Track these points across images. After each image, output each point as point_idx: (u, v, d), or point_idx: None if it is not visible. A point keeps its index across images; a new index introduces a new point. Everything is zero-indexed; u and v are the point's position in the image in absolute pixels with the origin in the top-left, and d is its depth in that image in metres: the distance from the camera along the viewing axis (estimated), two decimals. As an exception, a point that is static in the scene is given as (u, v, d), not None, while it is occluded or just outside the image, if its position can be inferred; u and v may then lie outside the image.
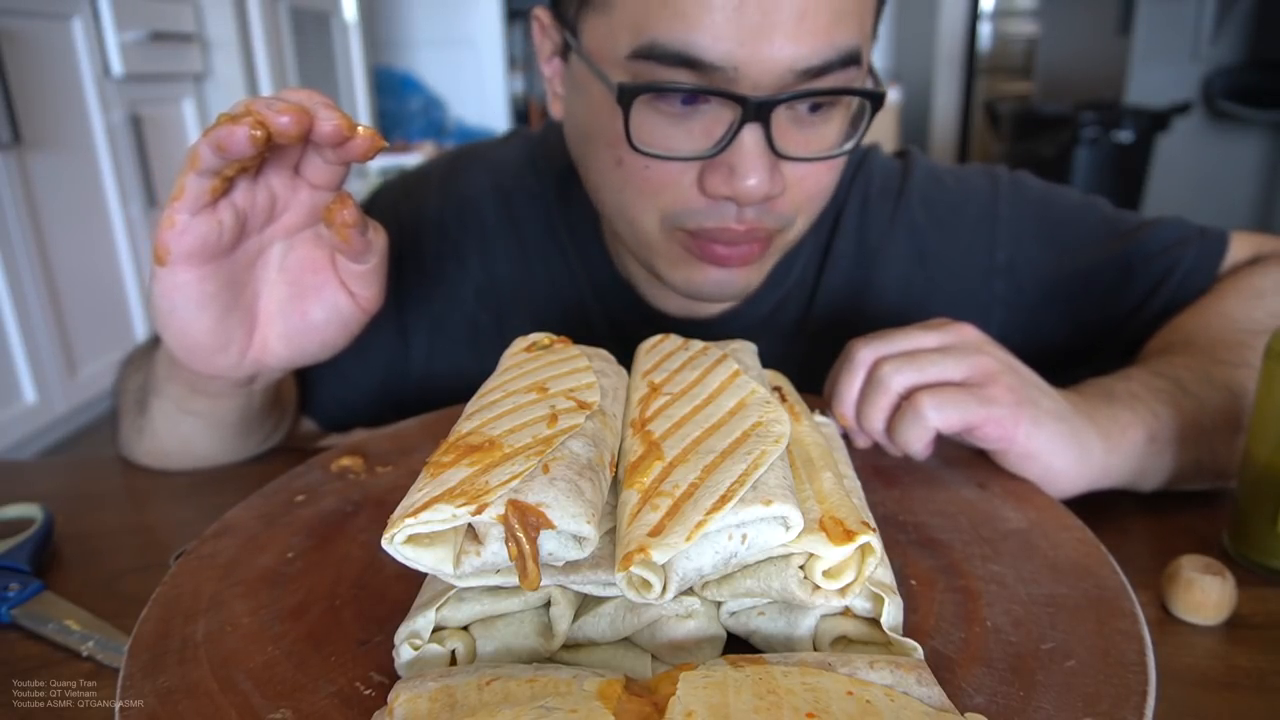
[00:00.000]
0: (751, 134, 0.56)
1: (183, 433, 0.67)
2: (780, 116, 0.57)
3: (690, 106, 0.57)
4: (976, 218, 0.77)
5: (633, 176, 0.61)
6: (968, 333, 0.56)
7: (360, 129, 0.49)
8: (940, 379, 0.53)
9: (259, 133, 0.46)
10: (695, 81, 0.55)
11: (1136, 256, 0.74)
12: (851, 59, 0.56)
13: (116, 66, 2.63)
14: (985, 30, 5.53)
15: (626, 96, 0.57)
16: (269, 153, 0.50)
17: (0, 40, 2.17)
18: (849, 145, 0.61)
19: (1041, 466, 0.53)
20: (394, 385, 0.80)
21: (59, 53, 2.43)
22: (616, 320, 0.78)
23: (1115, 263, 0.74)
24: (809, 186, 0.62)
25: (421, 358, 0.80)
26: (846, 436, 0.56)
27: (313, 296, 0.58)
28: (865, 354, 0.55)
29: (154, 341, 0.70)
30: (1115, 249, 0.75)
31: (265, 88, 3.40)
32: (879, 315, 0.76)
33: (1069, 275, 0.75)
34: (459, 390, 0.75)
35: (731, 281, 0.65)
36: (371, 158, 0.51)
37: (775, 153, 0.57)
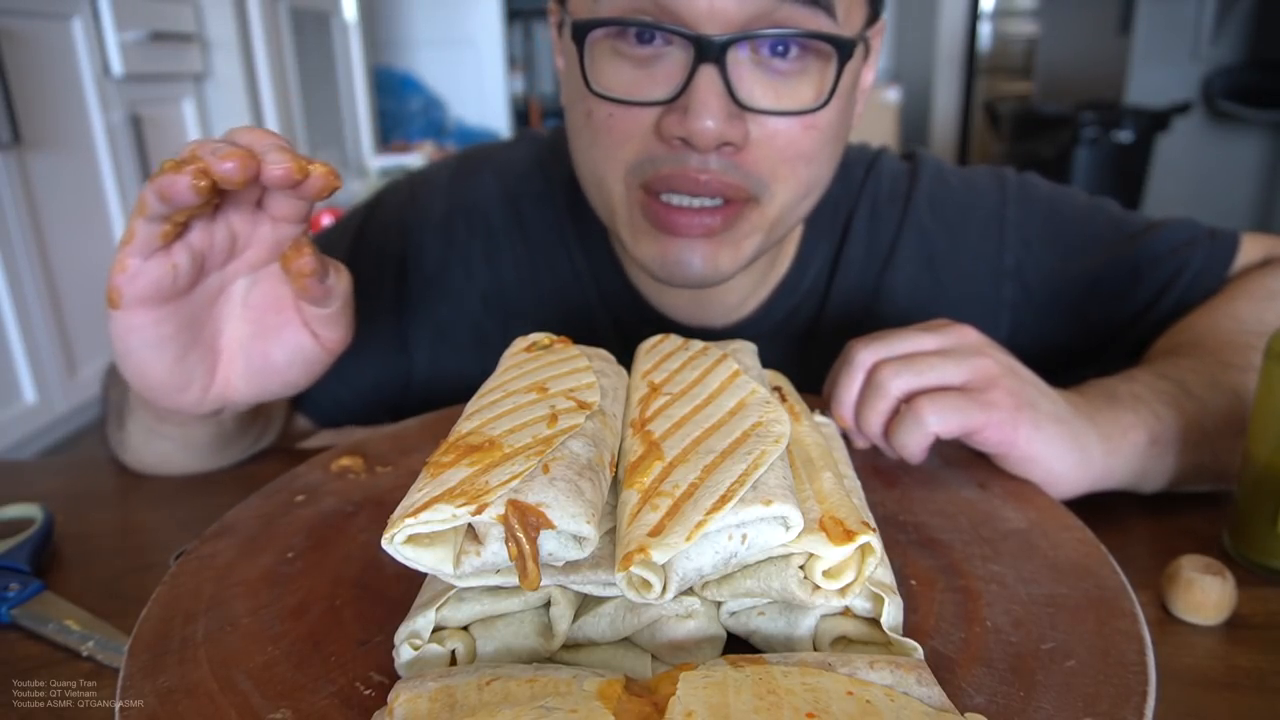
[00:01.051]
0: (707, 75, 0.55)
1: (158, 450, 0.67)
2: (742, 65, 0.56)
3: (650, 48, 0.57)
4: (984, 220, 0.76)
5: (599, 128, 0.60)
6: (968, 335, 0.55)
7: (314, 168, 0.47)
8: (939, 383, 0.53)
9: (202, 182, 0.44)
10: (656, 19, 0.55)
11: (1144, 258, 0.73)
12: (821, 2, 0.55)
13: (116, 66, 2.63)
14: (985, 30, 5.53)
15: (580, 32, 0.57)
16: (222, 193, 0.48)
17: (0, 40, 2.17)
18: (819, 104, 0.58)
19: (1043, 469, 0.53)
20: (392, 389, 0.80)
21: (59, 53, 2.43)
22: (623, 327, 0.77)
23: (1123, 265, 0.74)
24: (781, 146, 0.59)
25: (425, 362, 0.79)
26: (846, 437, 0.56)
27: (274, 337, 0.56)
28: (864, 356, 0.55)
29: None
30: (1123, 251, 0.74)
31: (265, 88, 3.40)
32: (889, 318, 0.76)
33: (1076, 277, 0.75)
34: (462, 395, 0.74)
35: (693, 258, 0.62)
36: (328, 196, 0.49)
37: (736, 101, 0.56)
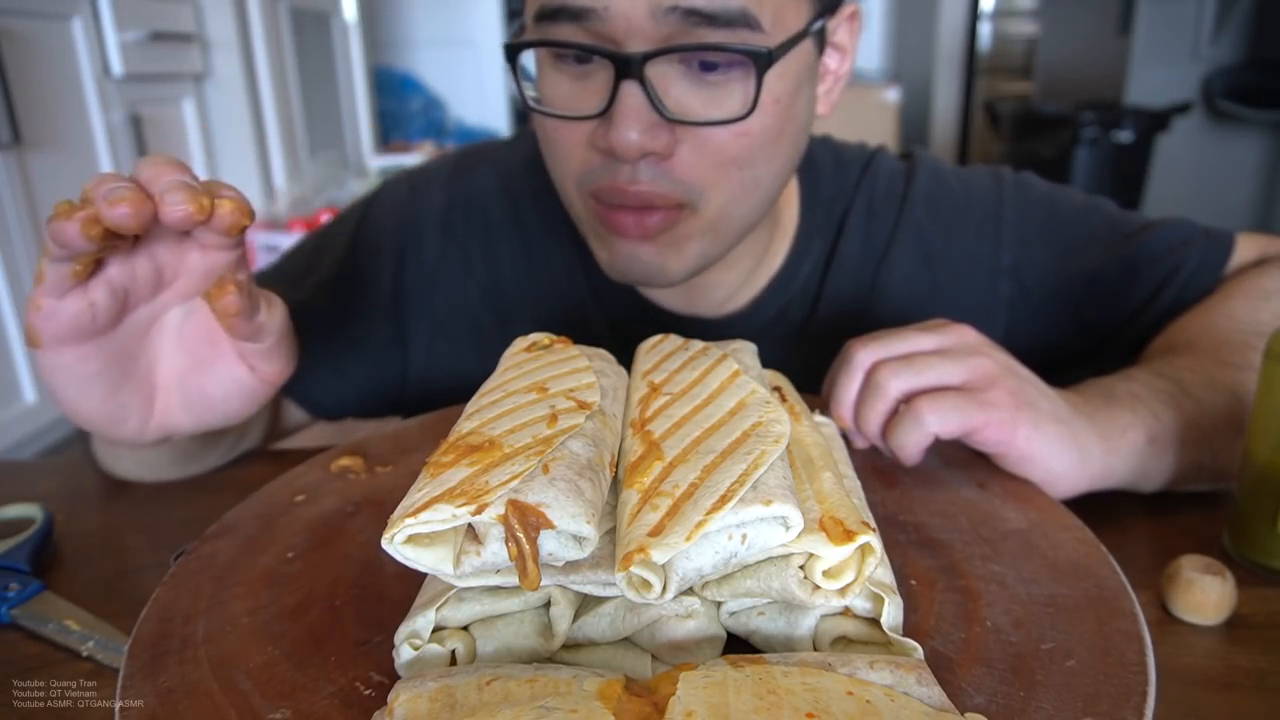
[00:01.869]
0: (628, 90, 0.55)
1: (123, 467, 0.67)
2: (668, 76, 0.57)
3: (585, 66, 0.58)
4: (981, 219, 0.77)
5: (549, 141, 0.62)
6: (966, 334, 0.55)
7: (220, 205, 0.44)
8: (938, 383, 0.53)
9: (93, 230, 0.42)
10: (583, 39, 0.56)
11: (1141, 257, 0.74)
12: (737, 19, 0.55)
13: (116, 66, 2.63)
14: (985, 30, 5.53)
15: (509, 54, 0.59)
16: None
17: (0, 40, 2.17)
18: (744, 113, 0.57)
19: (1041, 469, 0.53)
20: (389, 383, 0.80)
21: (59, 53, 2.43)
22: (618, 322, 0.78)
23: (1119, 264, 0.74)
24: (711, 152, 0.59)
25: (422, 357, 0.79)
26: (846, 437, 0.56)
27: (209, 370, 0.55)
28: (863, 356, 0.55)
29: None
30: (1120, 250, 0.74)
31: (265, 88, 3.40)
32: (884, 316, 0.76)
33: (1073, 276, 0.75)
34: (460, 390, 0.75)
35: (639, 259, 0.63)
36: (239, 233, 0.46)
37: (661, 113, 0.56)
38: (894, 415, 0.53)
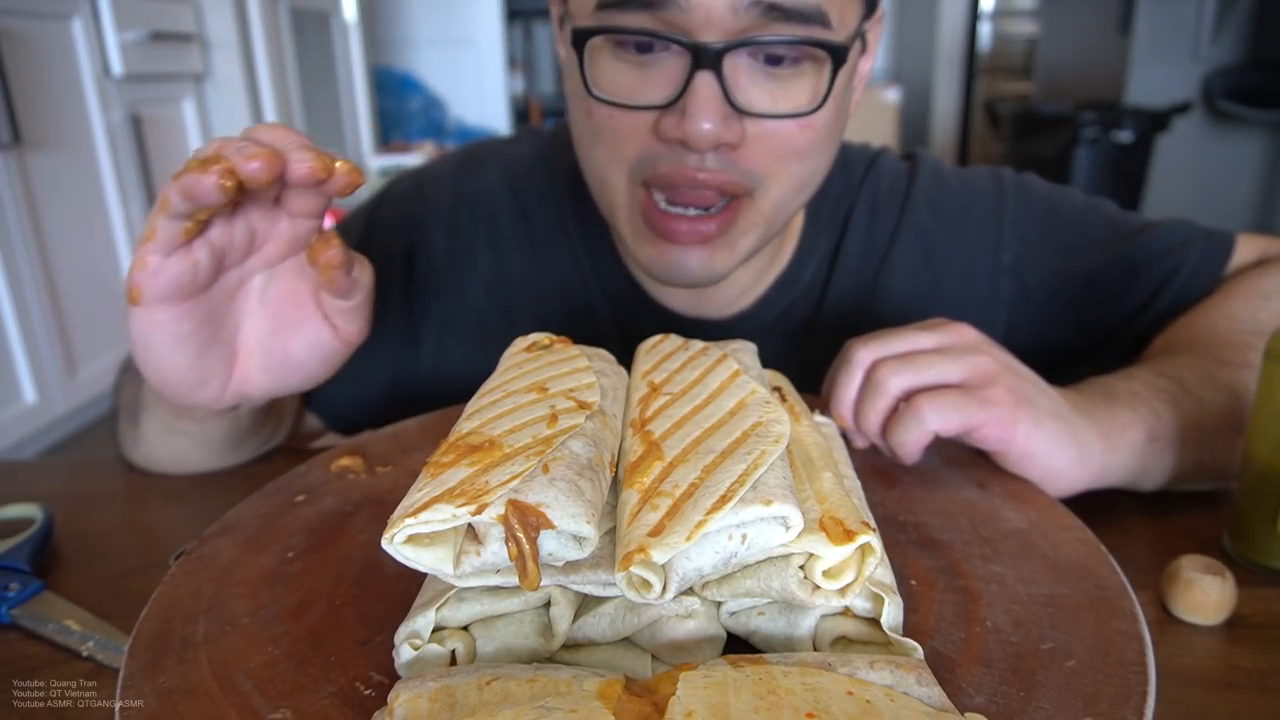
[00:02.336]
0: (704, 80, 0.56)
1: (173, 447, 0.67)
2: (739, 69, 0.57)
3: (649, 55, 0.58)
4: (982, 219, 0.77)
5: (601, 128, 0.61)
6: (966, 333, 0.55)
7: (338, 165, 0.47)
8: (938, 381, 0.53)
9: (228, 182, 0.44)
10: (654, 27, 0.56)
11: (1140, 257, 0.74)
12: (812, 15, 0.56)
13: (116, 66, 2.63)
14: (985, 30, 5.53)
15: (579, 39, 0.58)
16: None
17: (0, 40, 2.17)
18: (813, 107, 0.59)
19: (1041, 467, 0.53)
20: (404, 383, 0.80)
21: (59, 53, 2.43)
22: (624, 320, 0.78)
23: (1119, 263, 0.74)
24: (776, 144, 0.60)
25: (431, 355, 0.80)
26: (846, 436, 0.56)
27: (294, 331, 0.56)
28: (863, 355, 0.55)
29: None
30: (1120, 250, 0.75)
31: (265, 88, 3.40)
32: (886, 315, 0.76)
33: (1073, 276, 0.75)
34: (468, 388, 0.76)
35: (689, 263, 0.63)
36: (351, 193, 0.49)
37: (733, 105, 0.57)
38: (894, 414, 0.53)
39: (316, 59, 3.89)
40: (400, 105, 4.75)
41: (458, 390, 0.74)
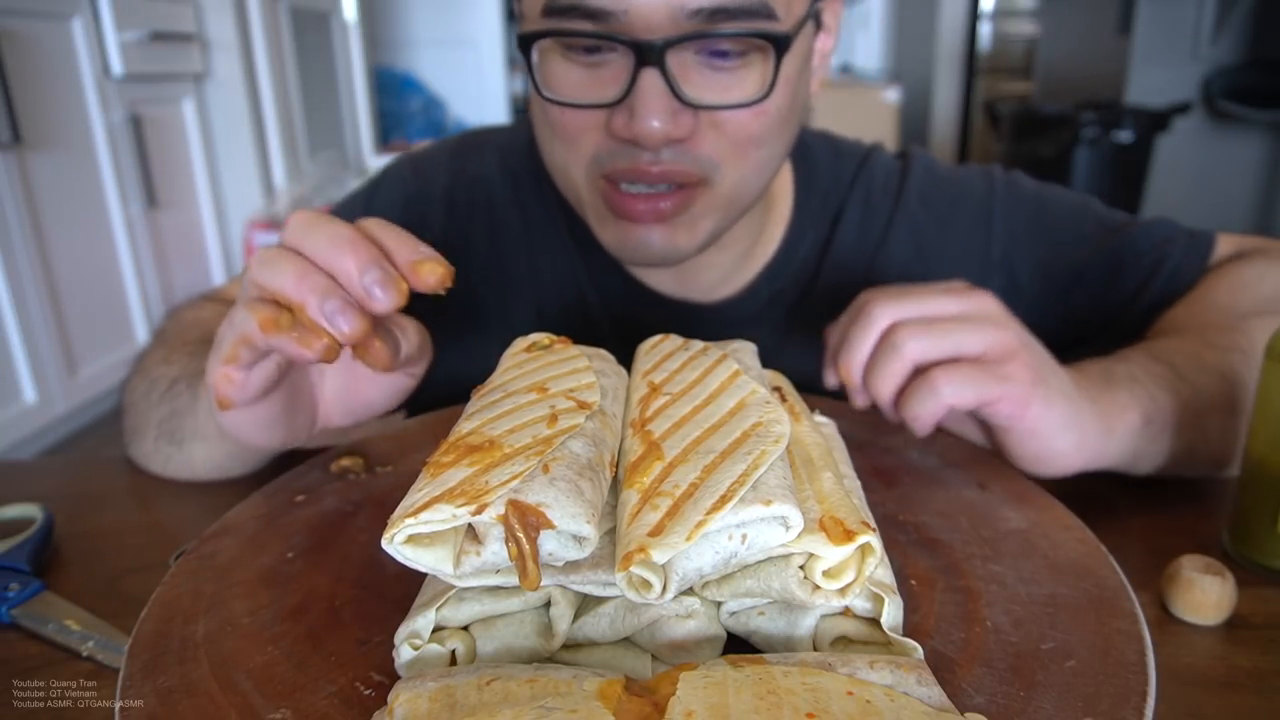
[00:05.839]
0: (649, 78, 0.57)
1: (221, 464, 0.66)
2: (686, 62, 0.58)
3: (597, 55, 0.59)
4: (973, 214, 0.78)
5: (556, 126, 0.63)
6: (986, 303, 0.54)
7: (423, 270, 0.45)
8: (957, 352, 0.51)
9: (331, 357, 0.44)
10: (599, 30, 0.57)
11: (1127, 252, 0.75)
12: (757, 10, 0.56)
13: (116, 66, 2.63)
14: (985, 30, 5.53)
15: (524, 44, 0.60)
16: None
17: (0, 40, 2.17)
18: (761, 96, 0.60)
19: (1043, 446, 0.52)
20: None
21: (59, 53, 2.43)
22: (611, 302, 0.79)
23: (1106, 258, 0.75)
24: (731, 132, 0.61)
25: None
26: (842, 394, 0.55)
27: (369, 382, 0.58)
28: (881, 313, 0.52)
29: (181, 354, 0.69)
30: (1106, 244, 0.76)
31: (265, 88, 3.40)
32: None
33: (1061, 269, 0.76)
34: (462, 369, 0.76)
35: (650, 243, 0.65)
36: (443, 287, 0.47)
37: (680, 99, 0.58)
38: (907, 382, 0.52)
39: (316, 59, 3.89)
40: (400, 105, 4.74)
41: (451, 371, 0.76)
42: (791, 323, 0.78)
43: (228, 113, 3.27)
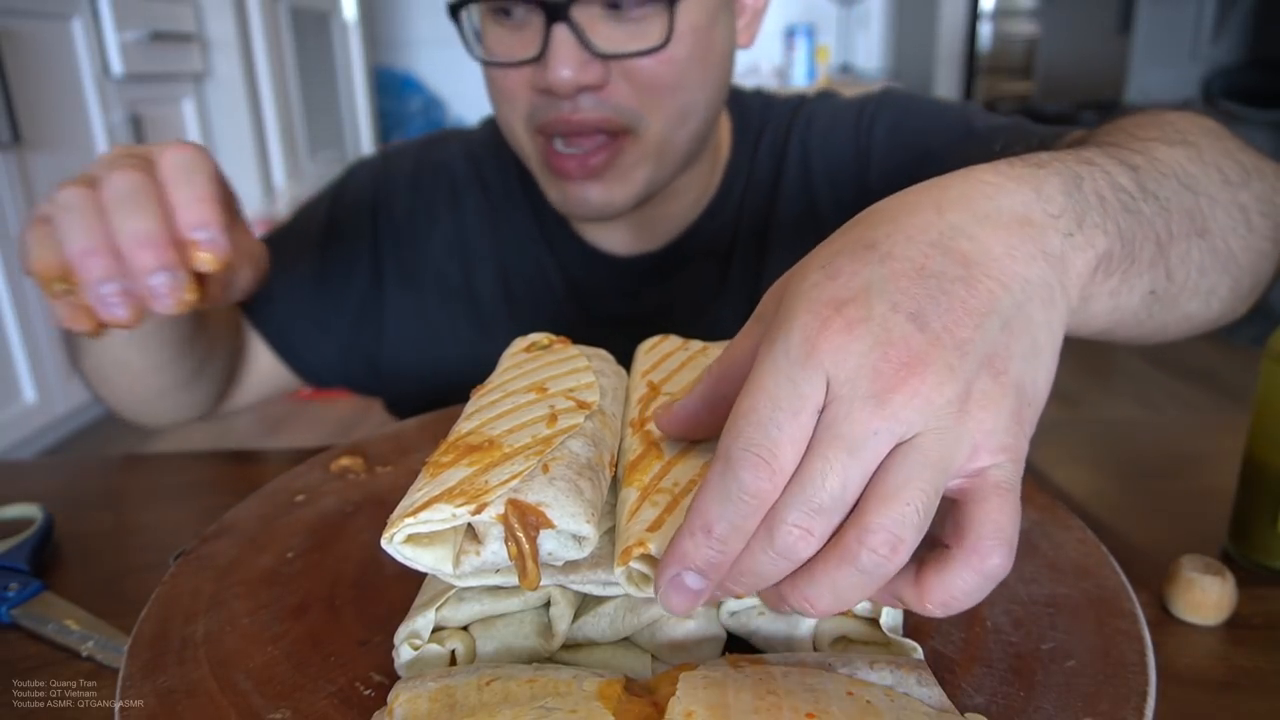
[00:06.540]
0: (559, 33, 0.62)
1: (121, 367, 0.67)
2: (594, 15, 0.63)
3: (515, 19, 0.65)
4: (851, 124, 0.79)
5: (496, 87, 0.70)
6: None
7: (200, 257, 0.45)
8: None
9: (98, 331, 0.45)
10: None
11: (980, 123, 0.73)
12: None
13: (116, 66, 2.63)
14: (985, 30, 5.53)
15: (453, 12, 0.68)
16: None
17: (0, 40, 2.17)
18: (660, 42, 0.64)
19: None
20: (369, 342, 0.84)
21: (59, 53, 2.43)
22: (567, 265, 0.82)
23: (957, 128, 0.73)
24: (643, 80, 0.66)
25: (393, 309, 0.83)
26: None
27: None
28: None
29: None
30: (959, 126, 0.74)
31: (265, 88, 3.40)
32: (781, 238, 0.79)
33: (913, 150, 0.75)
34: (429, 345, 0.83)
35: (588, 198, 0.69)
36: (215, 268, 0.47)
37: (591, 50, 0.63)
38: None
39: (316, 59, 3.89)
40: (400, 105, 4.74)
41: (418, 348, 0.82)
42: (725, 259, 0.80)
43: (228, 112, 3.27)
